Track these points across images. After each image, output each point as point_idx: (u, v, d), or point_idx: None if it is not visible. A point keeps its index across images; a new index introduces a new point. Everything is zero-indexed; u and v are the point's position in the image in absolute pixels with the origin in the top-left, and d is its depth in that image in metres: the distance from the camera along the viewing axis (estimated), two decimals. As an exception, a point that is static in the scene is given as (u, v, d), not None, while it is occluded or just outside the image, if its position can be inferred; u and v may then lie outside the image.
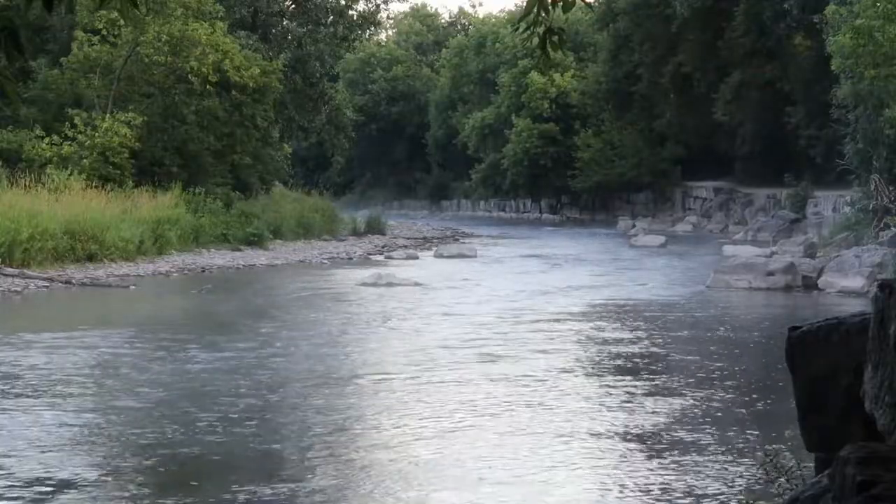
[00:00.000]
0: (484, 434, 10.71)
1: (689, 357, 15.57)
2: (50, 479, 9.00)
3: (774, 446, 9.19)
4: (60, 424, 10.87)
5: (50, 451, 9.85)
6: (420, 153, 79.24)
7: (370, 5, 49.57)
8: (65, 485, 8.87)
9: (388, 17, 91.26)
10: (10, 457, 9.59)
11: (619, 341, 16.95)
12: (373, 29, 60.06)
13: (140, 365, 14.35)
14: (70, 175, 31.07)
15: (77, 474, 9.18)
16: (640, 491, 8.87)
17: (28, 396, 12.22)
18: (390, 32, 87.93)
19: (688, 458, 9.84)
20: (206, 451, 9.98)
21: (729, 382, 13.61)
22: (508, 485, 9.06)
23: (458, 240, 45.02)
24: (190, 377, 13.55)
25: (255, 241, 34.58)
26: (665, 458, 9.86)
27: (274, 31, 45.45)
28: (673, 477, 9.23)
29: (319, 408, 11.81)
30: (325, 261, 33.29)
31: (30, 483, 8.87)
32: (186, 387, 12.91)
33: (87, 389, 12.79)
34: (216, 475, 9.41)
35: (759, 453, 9.39)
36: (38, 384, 12.91)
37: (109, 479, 9.13)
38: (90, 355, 15.03)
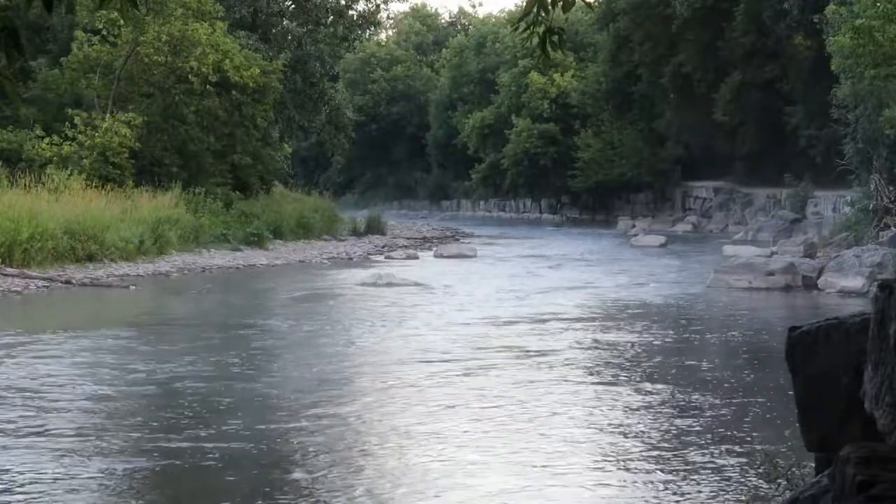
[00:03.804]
0: (481, 443, 10.63)
1: (688, 357, 15.56)
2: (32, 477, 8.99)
3: (771, 446, 9.20)
4: (43, 430, 10.87)
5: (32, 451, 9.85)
6: (420, 153, 79.25)
7: (370, 5, 49.60)
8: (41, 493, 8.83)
9: (388, 17, 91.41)
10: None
11: (619, 342, 16.94)
12: (373, 29, 60.13)
13: (135, 368, 14.23)
14: (70, 175, 31.07)
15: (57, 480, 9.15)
16: (640, 492, 8.86)
17: (17, 398, 12.21)
18: (390, 32, 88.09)
19: (687, 458, 9.83)
20: (199, 456, 9.94)
21: (728, 382, 13.61)
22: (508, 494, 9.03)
23: (457, 240, 45.03)
24: (188, 380, 13.52)
25: (255, 241, 34.57)
26: (664, 459, 9.85)
27: (274, 31, 45.45)
28: (672, 478, 9.22)
29: (312, 420, 11.55)
30: (326, 261, 33.28)
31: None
32: (183, 391, 12.88)
33: (78, 393, 12.74)
34: (206, 483, 9.24)
35: (759, 454, 9.39)
36: (31, 386, 12.89)
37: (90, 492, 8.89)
38: (88, 357, 14.98)
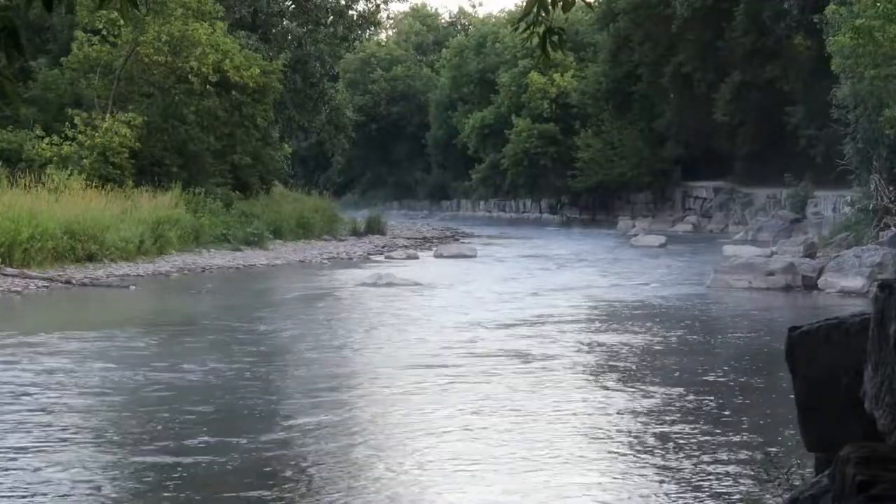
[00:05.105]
0: (476, 448, 10.55)
1: (688, 358, 15.56)
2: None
3: (771, 447, 9.20)
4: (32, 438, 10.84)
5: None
6: (420, 153, 79.27)
7: (370, 5, 49.64)
8: None
9: (388, 17, 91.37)
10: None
11: (618, 343, 16.93)
12: (373, 29, 60.18)
13: (122, 372, 14.06)
14: (70, 175, 31.07)
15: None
16: (640, 494, 8.85)
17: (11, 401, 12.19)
18: (390, 32, 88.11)
19: (687, 459, 9.82)
20: (194, 459, 9.91)
21: (728, 383, 13.60)
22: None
23: (457, 240, 45.05)
24: (186, 382, 13.49)
25: (255, 241, 34.58)
26: (664, 460, 9.84)
27: (274, 31, 45.47)
28: (672, 479, 9.21)
29: (295, 430, 11.20)
30: (326, 261, 33.28)
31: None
32: (181, 393, 12.85)
33: (46, 402, 12.63)
34: (199, 487, 9.06)
35: (759, 454, 9.39)
36: (26, 388, 12.86)
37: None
38: (73, 360, 14.82)
